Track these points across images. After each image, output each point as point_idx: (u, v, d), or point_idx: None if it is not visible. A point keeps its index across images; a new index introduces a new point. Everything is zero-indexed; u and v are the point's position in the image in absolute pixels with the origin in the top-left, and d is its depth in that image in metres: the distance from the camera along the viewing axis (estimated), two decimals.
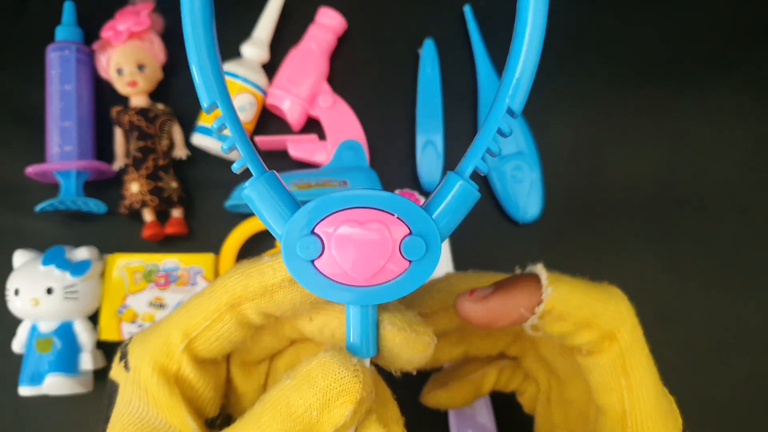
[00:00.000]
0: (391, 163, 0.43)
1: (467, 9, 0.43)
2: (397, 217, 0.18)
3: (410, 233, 0.18)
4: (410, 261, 0.18)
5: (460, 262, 0.41)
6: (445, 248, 0.41)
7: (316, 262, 0.18)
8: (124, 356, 0.22)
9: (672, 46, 0.45)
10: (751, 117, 0.44)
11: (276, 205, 0.18)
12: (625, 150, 0.43)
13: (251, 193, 0.18)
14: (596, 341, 0.21)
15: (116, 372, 0.22)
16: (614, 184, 0.43)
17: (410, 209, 0.18)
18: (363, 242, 0.18)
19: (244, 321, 0.21)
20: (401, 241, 0.18)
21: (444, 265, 0.40)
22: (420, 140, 0.42)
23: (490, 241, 0.42)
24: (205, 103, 0.17)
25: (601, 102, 0.44)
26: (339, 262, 0.18)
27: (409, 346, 0.19)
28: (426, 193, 0.42)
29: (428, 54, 0.43)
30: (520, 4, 0.17)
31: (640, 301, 0.42)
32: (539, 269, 0.21)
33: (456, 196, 0.18)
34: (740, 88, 0.44)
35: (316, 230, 0.18)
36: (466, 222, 0.44)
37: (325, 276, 0.18)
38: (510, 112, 0.17)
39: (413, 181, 0.42)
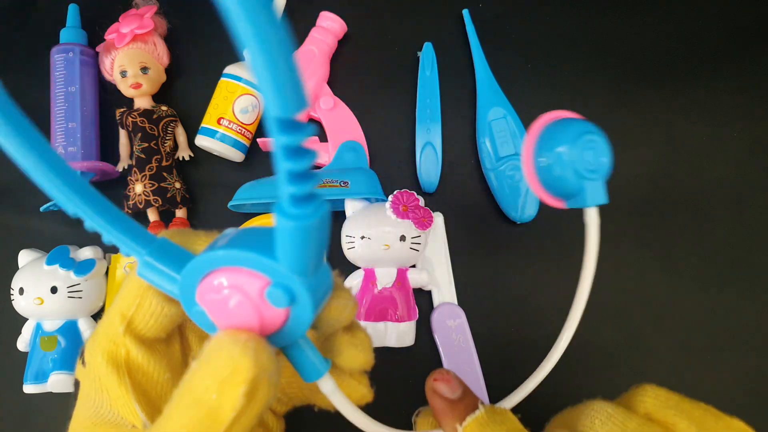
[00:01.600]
0: (391, 164, 0.43)
1: (466, 13, 0.44)
2: (249, 270, 0.17)
3: (270, 283, 0.17)
4: (287, 307, 0.17)
5: (458, 261, 0.41)
6: (442, 248, 0.41)
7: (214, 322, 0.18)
8: (81, 354, 0.22)
9: (668, 46, 0.45)
10: (748, 117, 0.44)
11: (167, 278, 0.19)
12: (622, 150, 0.44)
13: (143, 273, 0.19)
14: None
15: (78, 371, 0.22)
16: (611, 184, 0.43)
17: (255, 261, 0.17)
18: (229, 309, 0.18)
19: (168, 296, 0.21)
20: (263, 294, 0.17)
21: (443, 264, 0.41)
22: (419, 141, 0.42)
23: (488, 240, 0.42)
24: (69, 214, 0.17)
25: (598, 102, 0.44)
26: (217, 321, 0.18)
27: (336, 308, 0.20)
28: (425, 194, 0.43)
29: (427, 57, 0.43)
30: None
31: (636, 300, 0.43)
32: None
33: (282, 233, 0.16)
34: (736, 88, 0.45)
35: (197, 300, 0.18)
36: (465, 221, 0.45)
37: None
38: (281, 123, 0.14)
39: (413, 182, 0.43)
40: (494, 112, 0.42)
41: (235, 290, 0.17)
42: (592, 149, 0.28)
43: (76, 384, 0.22)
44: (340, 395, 0.21)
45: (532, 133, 0.29)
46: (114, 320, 0.21)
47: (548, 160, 0.28)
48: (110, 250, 0.41)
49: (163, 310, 0.21)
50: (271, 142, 0.14)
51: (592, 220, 0.29)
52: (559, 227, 0.42)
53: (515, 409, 0.27)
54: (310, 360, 0.20)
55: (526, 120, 0.43)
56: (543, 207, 0.42)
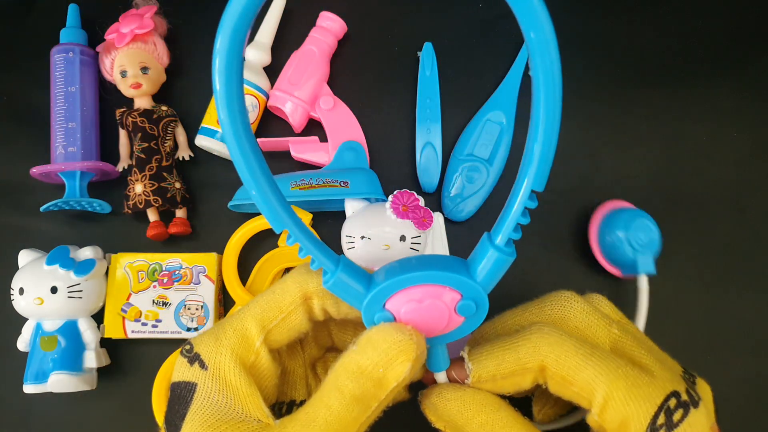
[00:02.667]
0: (391, 164, 0.43)
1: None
2: (450, 289, 0.23)
3: (462, 297, 0.23)
4: (465, 317, 0.23)
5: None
6: (443, 248, 0.41)
7: None
8: (196, 358, 0.23)
9: (668, 46, 0.45)
10: (748, 117, 0.44)
11: (351, 289, 0.23)
12: (622, 150, 0.44)
13: (332, 287, 0.22)
14: (539, 376, 0.25)
15: (191, 374, 0.23)
16: (611, 184, 0.43)
17: (460, 282, 0.22)
18: (425, 315, 0.23)
19: (311, 315, 0.25)
20: (456, 305, 0.23)
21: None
22: (419, 141, 0.42)
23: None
24: (277, 230, 0.21)
25: (598, 102, 0.44)
26: (418, 327, 0.23)
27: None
28: (425, 194, 0.43)
29: (427, 57, 0.43)
30: (535, 93, 0.23)
31: (636, 300, 0.42)
32: (464, 352, 0.26)
33: (495, 264, 0.22)
34: (737, 88, 0.45)
35: (386, 306, 0.23)
36: (465, 221, 0.45)
37: None
38: (534, 192, 0.21)
39: (413, 182, 0.43)
40: (495, 115, 0.42)
41: (437, 300, 0.23)
42: (643, 231, 0.38)
43: (186, 386, 0.23)
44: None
45: (597, 218, 0.40)
46: (251, 329, 0.24)
47: (611, 238, 0.39)
48: (110, 249, 0.41)
49: (301, 326, 0.25)
50: (519, 202, 0.21)
51: (643, 286, 0.38)
52: (558, 228, 0.42)
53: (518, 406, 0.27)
54: (442, 357, 0.25)
55: (524, 121, 0.43)
56: (541, 208, 0.42)
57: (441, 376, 0.26)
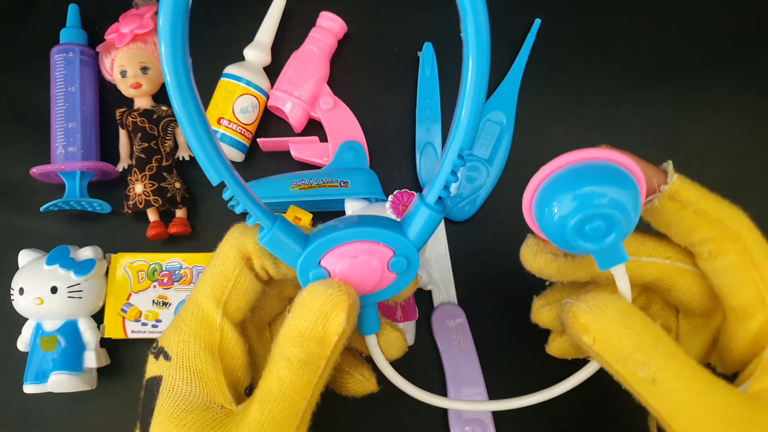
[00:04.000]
0: (391, 164, 0.43)
1: (537, 21, 0.44)
2: (382, 245, 0.23)
3: (394, 254, 0.23)
4: (397, 273, 0.24)
5: (458, 261, 0.41)
6: (443, 248, 0.41)
7: None
8: (160, 351, 0.23)
9: (668, 46, 0.45)
10: (748, 117, 0.44)
11: (288, 248, 0.23)
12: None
13: (267, 243, 0.22)
14: (719, 240, 0.23)
15: (156, 368, 0.23)
16: None
17: (393, 238, 0.23)
18: (358, 271, 0.23)
19: (256, 274, 0.24)
20: (389, 261, 0.23)
21: (443, 264, 0.41)
22: (419, 141, 0.42)
23: (488, 240, 0.42)
24: (214, 182, 0.21)
25: (598, 102, 0.44)
26: (353, 283, 0.23)
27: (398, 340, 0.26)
28: None
29: (427, 57, 0.43)
30: (464, 60, 0.23)
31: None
32: (668, 164, 0.24)
33: (426, 222, 0.23)
34: (737, 88, 0.44)
35: (321, 263, 0.23)
36: (466, 221, 0.45)
37: None
38: (460, 156, 0.22)
39: (413, 182, 0.43)
40: (495, 115, 0.42)
41: (371, 256, 0.23)
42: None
43: (152, 380, 0.23)
44: (378, 350, 0.26)
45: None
46: (206, 306, 0.23)
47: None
48: (110, 250, 0.41)
49: (253, 287, 0.24)
50: (447, 161, 0.22)
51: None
52: None
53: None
54: (373, 319, 0.25)
55: (526, 118, 0.43)
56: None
57: (371, 340, 0.26)
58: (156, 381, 0.22)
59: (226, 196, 0.21)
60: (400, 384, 0.26)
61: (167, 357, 0.23)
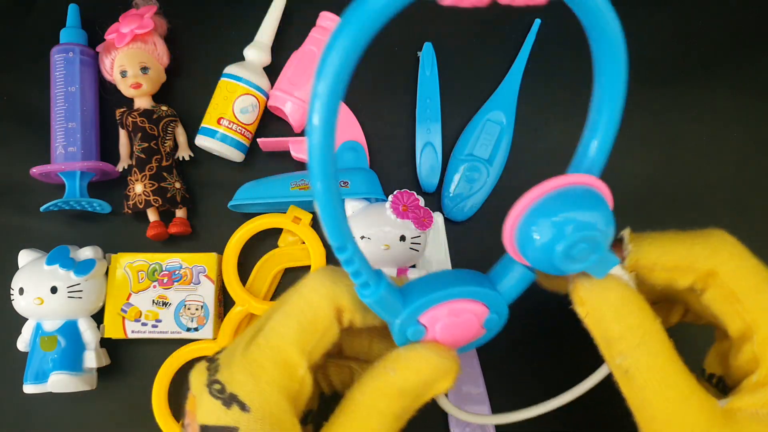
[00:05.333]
0: (391, 164, 0.43)
1: (537, 22, 0.44)
2: (481, 304, 0.23)
3: (489, 312, 0.24)
4: (486, 329, 0.24)
5: (458, 261, 0.41)
6: (442, 248, 0.41)
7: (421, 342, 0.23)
8: (232, 399, 0.21)
9: (668, 46, 0.45)
10: (748, 117, 0.44)
11: (388, 305, 0.22)
12: (621, 150, 0.44)
13: (370, 300, 0.22)
14: (701, 280, 0.23)
15: (230, 418, 0.21)
16: (610, 185, 0.43)
17: (491, 297, 0.23)
18: (457, 329, 0.23)
19: (343, 328, 0.24)
20: (484, 319, 0.24)
21: (443, 264, 0.41)
22: (419, 142, 0.42)
23: (488, 240, 0.42)
24: (335, 243, 0.20)
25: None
26: (440, 341, 0.23)
27: None
28: (425, 194, 0.43)
29: (427, 57, 0.43)
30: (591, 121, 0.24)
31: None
32: (625, 233, 0.24)
33: (520, 280, 0.24)
34: (737, 88, 0.44)
35: (420, 320, 0.23)
36: (466, 220, 0.44)
37: None
38: None
39: (413, 182, 0.43)
40: (495, 115, 0.42)
41: (471, 315, 0.23)
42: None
43: (224, 430, 0.21)
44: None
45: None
46: (293, 356, 0.22)
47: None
48: (110, 250, 0.41)
49: (337, 337, 0.24)
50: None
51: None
52: None
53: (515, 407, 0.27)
54: None
55: (526, 118, 0.43)
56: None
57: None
58: None
59: (342, 257, 0.21)
60: (451, 410, 0.26)
61: (244, 408, 0.21)
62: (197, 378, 0.22)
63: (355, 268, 0.21)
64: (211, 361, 0.23)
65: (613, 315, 0.22)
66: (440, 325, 0.23)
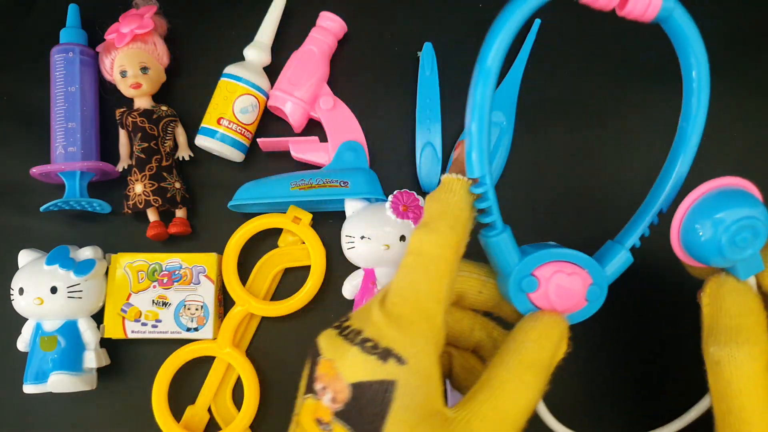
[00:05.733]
0: (391, 164, 0.43)
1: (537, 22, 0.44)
2: (587, 272, 0.26)
3: (593, 283, 0.26)
4: (588, 301, 0.26)
5: None
6: None
7: (530, 295, 0.26)
8: (388, 353, 0.22)
9: (668, 46, 0.45)
10: (748, 117, 0.44)
11: (509, 254, 0.25)
12: (621, 151, 0.44)
13: (491, 242, 0.25)
14: None
15: (386, 371, 0.22)
16: (610, 185, 0.43)
17: (595, 267, 0.26)
18: (564, 291, 0.25)
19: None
20: (588, 288, 0.26)
21: None
22: (419, 142, 0.42)
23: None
24: (476, 173, 0.23)
25: (598, 102, 0.44)
26: (550, 297, 0.25)
27: None
28: (425, 194, 0.43)
29: (427, 57, 0.43)
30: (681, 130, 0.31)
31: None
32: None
33: (623, 263, 0.27)
34: (736, 88, 0.44)
35: (534, 273, 0.25)
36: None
37: (534, 305, 0.26)
38: (660, 212, 0.28)
39: (413, 182, 0.43)
40: (495, 115, 0.42)
41: (578, 277, 0.25)
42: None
43: (382, 384, 0.22)
44: None
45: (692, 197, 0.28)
46: (434, 310, 0.23)
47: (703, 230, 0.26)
48: (110, 250, 0.41)
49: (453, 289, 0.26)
50: (649, 217, 0.29)
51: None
52: (557, 229, 0.42)
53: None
54: None
55: (527, 118, 0.43)
56: (541, 208, 0.42)
57: None
58: (387, 385, 0.21)
59: (478, 190, 0.24)
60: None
61: (400, 361, 0.22)
62: (332, 342, 0.23)
63: (487, 204, 0.24)
64: (341, 327, 0.24)
65: (728, 310, 0.24)
66: (553, 281, 0.25)
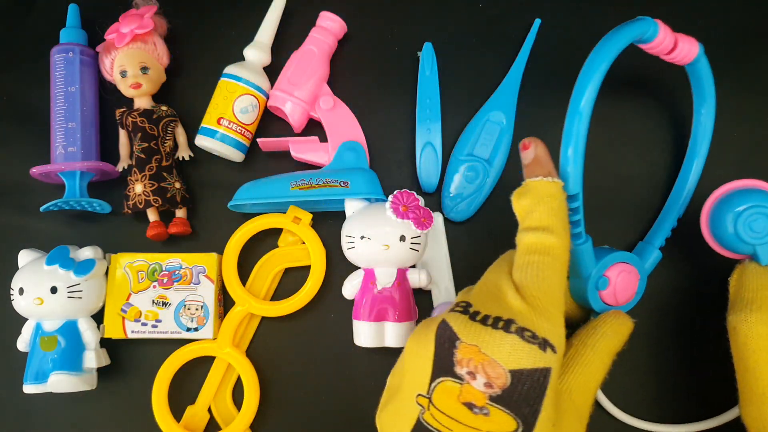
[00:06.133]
0: (391, 164, 0.43)
1: (537, 21, 0.44)
2: (636, 269, 0.35)
3: (639, 278, 0.35)
4: (636, 294, 0.35)
5: (458, 261, 0.41)
6: (442, 248, 0.41)
7: (601, 293, 0.33)
8: (546, 344, 0.25)
9: None
10: (748, 117, 0.44)
11: (589, 259, 0.32)
12: (622, 150, 0.44)
13: (577, 250, 0.31)
14: None
15: (546, 359, 0.25)
16: (613, 185, 0.43)
17: (641, 266, 0.35)
18: (627, 286, 0.34)
19: None
20: (638, 283, 0.35)
21: (443, 264, 0.41)
22: (419, 142, 0.42)
23: (488, 239, 0.42)
24: (572, 191, 0.28)
25: (598, 102, 0.44)
26: (616, 293, 0.33)
27: None
28: (425, 194, 0.43)
29: (427, 57, 0.43)
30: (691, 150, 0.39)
31: (645, 302, 0.42)
32: None
33: (655, 260, 0.39)
34: (737, 88, 0.44)
35: (606, 273, 0.33)
36: (465, 220, 0.44)
37: (603, 301, 0.34)
38: (679, 220, 0.38)
39: (413, 182, 0.43)
40: (495, 115, 0.42)
41: (635, 277, 0.34)
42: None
43: (539, 372, 0.24)
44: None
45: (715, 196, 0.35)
46: (560, 298, 0.27)
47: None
48: (110, 249, 0.41)
49: None
50: (670, 222, 0.40)
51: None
52: None
53: None
54: None
55: (527, 118, 0.43)
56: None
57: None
58: (545, 372, 0.24)
59: (573, 205, 0.28)
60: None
61: (554, 350, 0.25)
62: (471, 328, 0.25)
63: (577, 218, 0.29)
64: (469, 313, 0.26)
65: (748, 286, 0.30)
66: (620, 280, 0.33)
